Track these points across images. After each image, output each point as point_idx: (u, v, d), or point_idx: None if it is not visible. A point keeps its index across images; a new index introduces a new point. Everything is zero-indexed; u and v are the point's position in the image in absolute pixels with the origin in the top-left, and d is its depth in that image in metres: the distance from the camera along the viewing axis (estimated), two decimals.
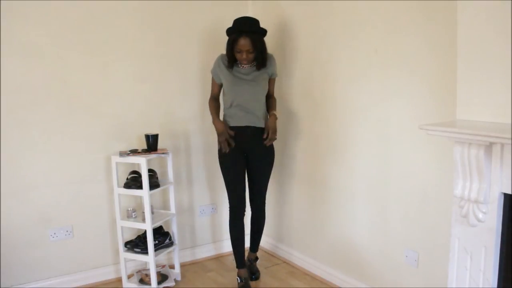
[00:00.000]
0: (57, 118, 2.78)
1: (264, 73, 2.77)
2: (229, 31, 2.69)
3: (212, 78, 2.83)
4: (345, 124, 2.71)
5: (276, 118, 2.80)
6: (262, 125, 2.79)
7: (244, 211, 2.90)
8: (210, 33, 3.15)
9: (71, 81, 2.79)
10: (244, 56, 2.65)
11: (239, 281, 2.90)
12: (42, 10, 2.65)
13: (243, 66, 2.74)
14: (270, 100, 2.88)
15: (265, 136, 2.77)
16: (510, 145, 1.56)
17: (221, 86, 2.82)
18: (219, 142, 2.77)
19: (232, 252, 2.95)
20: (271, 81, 2.86)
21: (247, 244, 3.05)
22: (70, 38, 2.75)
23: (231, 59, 2.71)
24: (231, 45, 2.65)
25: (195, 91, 3.17)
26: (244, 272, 2.91)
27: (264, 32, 2.72)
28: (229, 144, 2.75)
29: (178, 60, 3.11)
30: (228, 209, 2.88)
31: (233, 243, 2.91)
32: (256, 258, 3.12)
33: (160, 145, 2.90)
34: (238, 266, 2.92)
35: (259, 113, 2.77)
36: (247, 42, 2.61)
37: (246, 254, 3.04)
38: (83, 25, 2.78)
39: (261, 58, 2.71)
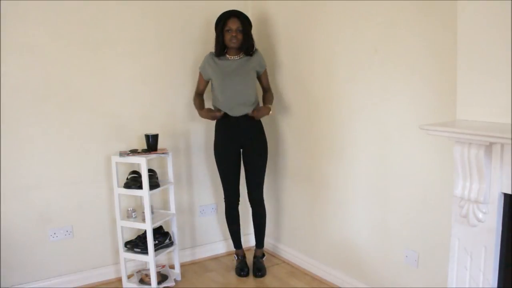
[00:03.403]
0: (57, 118, 2.78)
1: (252, 67, 2.87)
2: (217, 21, 2.86)
3: (200, 74, 2.95)
4: (345, 123, 2.70)
5: (269, 110, 2.91)
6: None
7: (238, 201, 3.09)
8: (211, 33, 3.14)
9: (71, 81, 2.79)
10: (234, 34, 2.81)
11: (236, 259, 3.16)
12: (42, 10, 2.65)
13: (231, 57, 2.87)
14: (266, 95, 3.02)
15: (253, 112, 2.86)
16: (510, 145, 1.56)
17: (207, 82, 2.96)
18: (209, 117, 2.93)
19: (231, 251, 2.99)
20: (263, 75, 2.97)
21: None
22: (70, 38, 2.75)
23: (221, 46, 2.85)
24: (221, 28, 2.82)
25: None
26: (240, 251, 3.16)
27: (250, 23, 2.91)
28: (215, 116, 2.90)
29: (178, 60, 3.11)
30: (223, 199, 3.08)
31: (229, 228, 3.14)
32: (263, 255, 3.18)
33: (160, 145, 2.90)
34: (236, 247, 3.17)
35: (251, 99, 2.87)
36: (236, 20, 2.82)
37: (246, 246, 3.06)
38: (83, 25, 2.78)
39: (247, 42, 2.85)
